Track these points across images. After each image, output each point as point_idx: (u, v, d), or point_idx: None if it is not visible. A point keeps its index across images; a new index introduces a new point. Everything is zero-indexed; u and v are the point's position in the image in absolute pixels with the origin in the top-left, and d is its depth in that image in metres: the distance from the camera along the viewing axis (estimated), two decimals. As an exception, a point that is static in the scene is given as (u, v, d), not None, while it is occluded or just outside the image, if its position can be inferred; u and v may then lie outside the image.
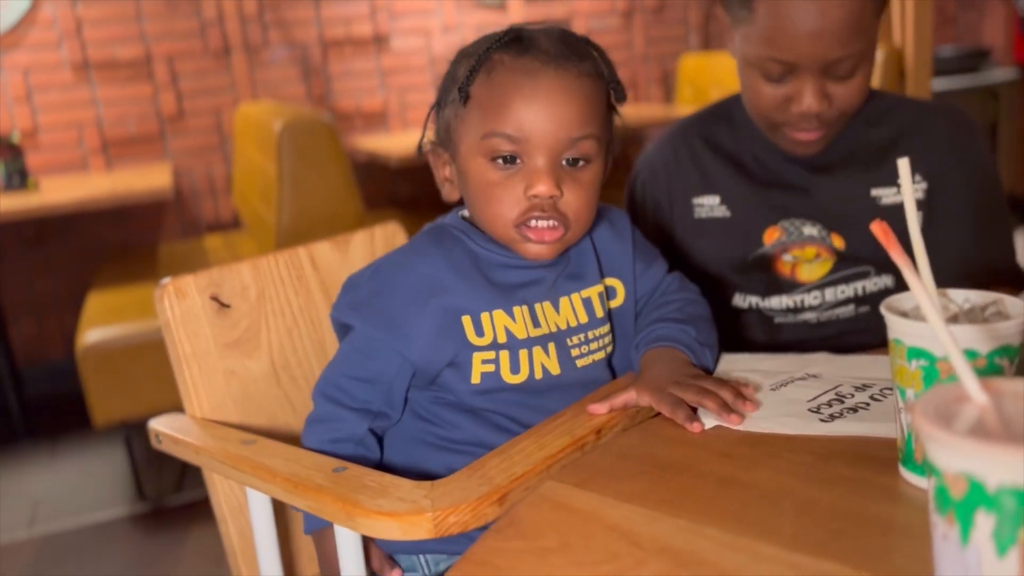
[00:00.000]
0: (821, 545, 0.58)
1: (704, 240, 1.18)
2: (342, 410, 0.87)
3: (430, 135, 0.94)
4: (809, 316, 1.13)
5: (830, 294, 1.12)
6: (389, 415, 0.90)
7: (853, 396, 0.81)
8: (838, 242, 1.11)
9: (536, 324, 0.88)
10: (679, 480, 0.70)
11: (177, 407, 0.99)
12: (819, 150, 1.11)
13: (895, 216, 1.05)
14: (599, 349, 0.93)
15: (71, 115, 3.23)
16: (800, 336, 1.14)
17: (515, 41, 0.86)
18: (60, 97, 3.21)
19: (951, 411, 0.46)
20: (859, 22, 0.98)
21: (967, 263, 1.10)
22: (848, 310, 1.13)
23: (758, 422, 0.79)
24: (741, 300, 1.17)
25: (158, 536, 2.17)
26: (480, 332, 0.86)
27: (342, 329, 0.91)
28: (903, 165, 0.62)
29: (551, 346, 0.89)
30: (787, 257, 1.13)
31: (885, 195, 1.10)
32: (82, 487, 2.47)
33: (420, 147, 0.95)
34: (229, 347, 0.98)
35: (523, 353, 0.88)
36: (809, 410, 0.80)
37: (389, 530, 0.69)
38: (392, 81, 3.61)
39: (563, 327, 0.90)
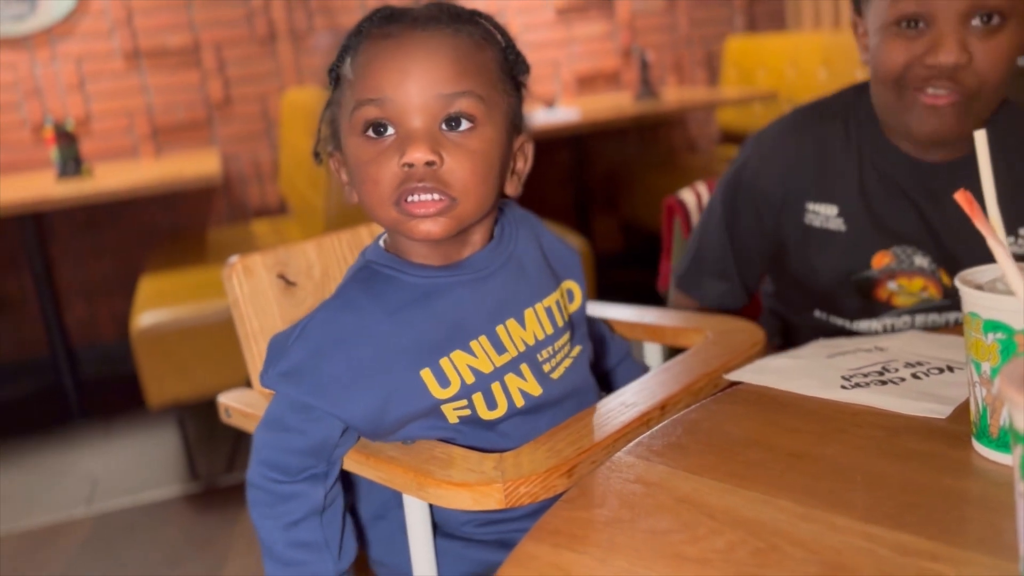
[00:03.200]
0: (895, 517, 0.59)
1: (809, 249, 1.12)
2: (288, 487, 0.79)
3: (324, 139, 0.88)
4: None
5: (920, 320, 1.08)
6: (332, 473, 0.81)
7: (897, 371, 0.81)
8: (947, 279, 1.06)
9: (501, 350, 0.83)
10: (748, 454, 0.70)
11: (228, 388, 1.01)
12: (954, 128, 0.99)
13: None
14: (565, 357, 0.88)
15: (122, 103, 3.29)
16: None
17: (385, 17, 0.81)
18: (111, 85, 3.27)
19: (1038, 380, 0.46)
20: None
21: None
22: None
23: (780, 381, 0.81)
24: (823, 316, 1.14)
25: (210, 515, 2.22)
26: (445, 383, 0.80)
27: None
28: (980, 137, 0.62)
29: (523, 367, 0.84)
30: (892, 285, 1.08)
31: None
32: (137, 466, 2.53)
33: (316, 154, 0.89)
34: (295, 324, 1.00)
35: (496, 387, 0.82)
36: (842, 376, 0.80)
37: (461, 500, 0.71)
38: (435, 67, 3.62)
39: (531, 343, 0.85)
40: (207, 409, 2.88)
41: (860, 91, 1.12)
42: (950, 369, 0.80)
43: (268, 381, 0.80)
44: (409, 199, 0.77)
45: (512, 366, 0.83)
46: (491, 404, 0.82)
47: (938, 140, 1.02)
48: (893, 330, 1.10)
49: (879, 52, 1.01)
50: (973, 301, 0.63)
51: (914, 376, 0.80)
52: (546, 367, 0.86)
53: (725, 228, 1.18)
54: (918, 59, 0.97)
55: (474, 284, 0.83)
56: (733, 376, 0.86)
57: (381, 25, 0.80)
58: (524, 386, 0.84)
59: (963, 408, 0.72)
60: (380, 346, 0.79)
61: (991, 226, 0.52)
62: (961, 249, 1.04)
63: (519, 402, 0.83)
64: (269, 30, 3.38)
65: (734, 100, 3.22)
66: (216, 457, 2.52)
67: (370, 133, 0.79)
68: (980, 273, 0.66)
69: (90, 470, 2.53)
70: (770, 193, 1.14)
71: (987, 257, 1.02)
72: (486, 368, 0.82)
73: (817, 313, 1.15)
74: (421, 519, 0.79)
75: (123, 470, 2.51)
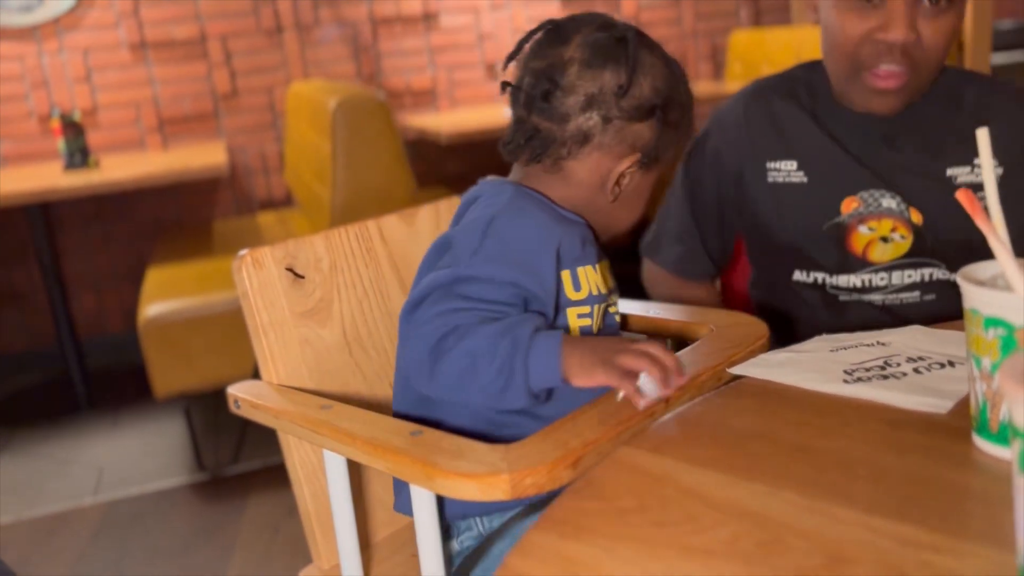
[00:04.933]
0: (897, 509, 0.60)
1: (777, 206, 1.17)
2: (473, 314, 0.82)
3: None
4: (875, 297, 1.13)
5: (897, 277, 1.12)
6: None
7: (899, 365, 0.82)
8: (916, 217, 1.10)
9: (598, 284, 0.93)
10: (752, 447, 0.71)
11: (234, 379, 1.02)
12: (898, 106, 1.08)
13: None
14: (616, 314, 0.98)
15: (129, 94, 3.30)
16: (863, 318, 1.14)
17: None
18: (118, 77, 3.28)
19: (1037, 375, 0.47)
20: None
21: None
22: (914, 296, 1.12)
23: (783, 375, 0.82)
24: (804, 275, 1.17)
25: (217, 504, 2.24)
26: (577, 287, 0.89)
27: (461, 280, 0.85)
28: (982, 136, 0.62)
29: (607, 307, 0.94)
30: (863, 229, 1.12)
31: (960, 174, 1.10)
32: (144, 456, 2.55)
33: None
34: (303, 316, 1.01)
35: (600, 309, 0.91)
36: (844, 371, 0.81)
37: (468, 491, 0.71)
38: (441, 59, 3.62)
39: (604, 291, 0.94)
40: (214, 399, 2.90)
41: (813, 65, 1.20)
42: (951, 364, 0.81)
43: (468, 268, 0.84)
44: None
45: (604, 300, 0.93)
46: (597, 324, 0.91)
47: (881, 115, 1.11)
48: (871, 285, 1.13)
49: (832, 22, 1.07)
50: (974, 297, 0.64)
51: (915, 371, 0.81)
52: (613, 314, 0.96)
53: (685, 196, 1.26)
54: (870, 34, 1.03)
55: (576, 226, 0.93)
56: (737, 370, 0.87)
57: None
58: (595, 324, 0.92)
59: (964, 403, 0.73)
60: (547, 242, 0.88)
61: (991, 225, 0.53)
62: (925, 185, 1.10)
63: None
64: (275, 22, 3.39)
65: (739, 94, 3.21)
66: (223, 447, 2.54)
67: None
68: (981, 269, 0.67)
69: (97, 460, 2.55)
70: (727, 162, 1.21)
71: (946, 189, 1.09)
72: (597, 291, 0.91)
73: (797, 275, 1.18)
74: (428, 510, 0.80)
75: (130, 460, 2.53)
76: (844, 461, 0.67)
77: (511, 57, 0.96)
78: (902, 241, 1.11)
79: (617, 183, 0.94)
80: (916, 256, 1.11)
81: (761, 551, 0.57)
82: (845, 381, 0.79)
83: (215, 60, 3.35)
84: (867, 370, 0.81)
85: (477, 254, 0.85)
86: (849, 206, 1.12)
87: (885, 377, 0.80)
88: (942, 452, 0.67)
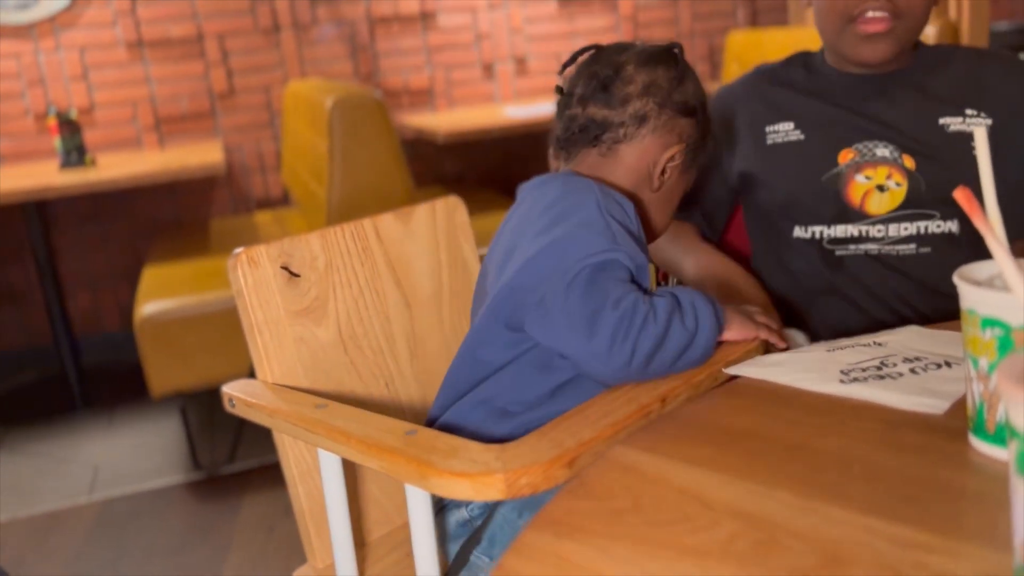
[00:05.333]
0: (893, 509, 0.59)
1: (776, 165, 1.23)
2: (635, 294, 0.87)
3: None
4: (871, 247, 1.16)
5: (893, 229, 1.15)
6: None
7: (896, 366, 0.82)
8: (909, 163, 1.15)
9: None
10: (747, 446, 0.71)
11: (230, 377, 1.02)
12: (887, 53, 1.15)
13: (961, 142, 1.13)
14: None
15: (125, 93, 3.29)
16: (860, 270, 1.17)
17: None
18: (115, 75, 3.27)
19: (1034, 375, 0.47)
20: None
21: None
22: (910, 248, 1.15)
23: (779, 375, 0.82)
24: (803, 231, 1.20)
25: (213, 503, 2.23)
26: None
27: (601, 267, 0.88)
28: (980, 134, 0.62)
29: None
30: (860, 178, 1.16)
31: (952, 123, 1.15)
32: (139, 455, 2.54)
33: None
34: (299, 315, 1.01)
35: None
36: (840, 371, 0.81)
37: (462, 490, 0.71)
38: (438, 59, 3.62)
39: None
40: (209, 398, 2.90)
41: (807, 54, 1.30)
42: (947, 365, 0.81)
43: (610, 254, 0.86)
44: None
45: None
46: None
47: (873, 63, 1.17)
48: (868, 236, 1.16)
49: None
50: (971, 297, 0.64)
51: (912, 371, 0.80)
52: None
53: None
54: None
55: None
56: (733, 370, 0.86)
57: None
58: None
59: (960, 403, 0.73)
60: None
61: (989, 225, 0.53)
62: (917, 133, 1.16)
63: None
64: (273, 21, 3.38)
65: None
66: (218, 446, 2.53)
67: None
68: (978, 269, 0.67)
69: (93, 458, 2.54)
70: (724, 139, 1.28)
71: (938, 136, 1.15)
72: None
73: (797, 231, 1.21)
74: (423, 509, 0.80)
75: (126, 458, 2.53)
76: (840, 461, 0.67)
77: (566, 65, 1.07)
78: (897, 189, 1.15)
79: (663, 172, 1.02)
80: (912, 207, 1.15)
81: (756, 551, 0.56)
82: (841, 381, 0.79)
83: (212, 59, 3.34)
84: (863, 370, 0.81)
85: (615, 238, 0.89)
86: (845, 157, 1.18)
87: (881, 377, 0.79)
88: (938, 452, 0.67)
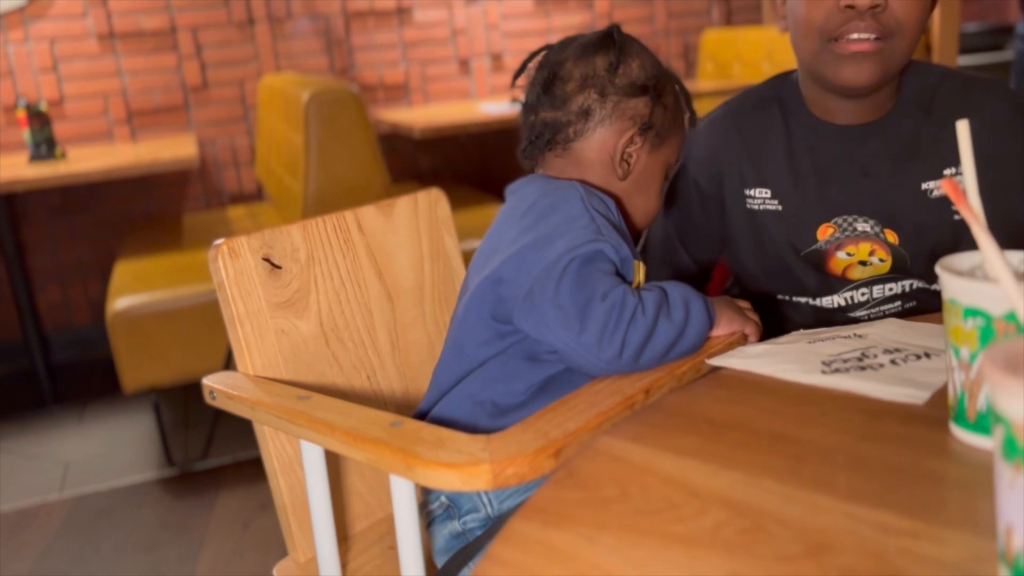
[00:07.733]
0: (877, 497, 0.60)
1: (757, 232, 1.16)
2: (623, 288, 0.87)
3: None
4: (859, 314, 1.13)
5: (878, 291, 1.12)
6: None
7: (876, 357, 0.83)
8: (892, 237, 1.09)
9: None
10: (732, 436, 0.71)
11: (204, 372, 1.01)
12: (872, 76, 1.01)
13: (944, 208, 1.07)
14: None
15: (96, 85, 3.25)
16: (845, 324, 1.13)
17: None
18: (85, 67, 3.22)
19: (1018, 362, 0.48)
20: None
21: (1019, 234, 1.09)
22: (895, 307, 1.13)
23: (762, 366, 0.83)
24: (786, 298, 1.17)
25: (186, 500, 2.21)
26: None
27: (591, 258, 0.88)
28: (962, 127, 0.63)
29: None
30: (841, 255, 1.11)
31: (935, 188, 1.08)
32: (111, 451, 2.51)
33: None
34: (280, 307, 1.00)
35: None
36: (822, 362, 0.82)
37: (449, 481, 0.71)
38: (414, 54, 3.61)
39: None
40: (183, 394, 2.87)
41: (785, 76, 1.19)
42: (927, 355, 0.82)
43: (596, 245, 0.87)
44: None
45: None
46: None
47: (858, 86, 1.03)
48: (853, 302, 1.13)
49: (798, 6, 1.03)
50: (953, 287, 0.64)
51: (892, 362, 0.81)
52: None
53: (665, 213, 1.26)
54: (835, 4, 0.99)
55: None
56: (715, 361, 0.87)
57: None
58: None
59: (941, 393, 0.74)
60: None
61: (975, 214, 0.54)
62: (899, 204, 1.09)
63: None
64: (247, 14, 3.35)
65: (710, 93, 3.24)
66: (192, 442, 2.51)
67: None
68: (960, 260, 0.68)
69: (63, 455, 2.51)
70: (706, 184, 1.20)
71: (920, 204, 1.08)
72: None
73: (780, 297, 1.18)
74: (407, 500, 0.79)
75: (97, 455, 2.50)
76: (823, 450, 0.68)
77: (517, 75, 1.07)
78: (881, 264, 1.11)
79: (624, 159, 1.00)
80: (896, 275, 1.11)
81: (743, 539, 0.57)
82: (823, 372, 0.80)
83: (185, 52, 3.31)
84: (844, 361, 0.82)
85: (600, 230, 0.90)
86: (825, 232, 1.11)
87: (863, 368, 0.80)
88: (920, 441, 0.68)
